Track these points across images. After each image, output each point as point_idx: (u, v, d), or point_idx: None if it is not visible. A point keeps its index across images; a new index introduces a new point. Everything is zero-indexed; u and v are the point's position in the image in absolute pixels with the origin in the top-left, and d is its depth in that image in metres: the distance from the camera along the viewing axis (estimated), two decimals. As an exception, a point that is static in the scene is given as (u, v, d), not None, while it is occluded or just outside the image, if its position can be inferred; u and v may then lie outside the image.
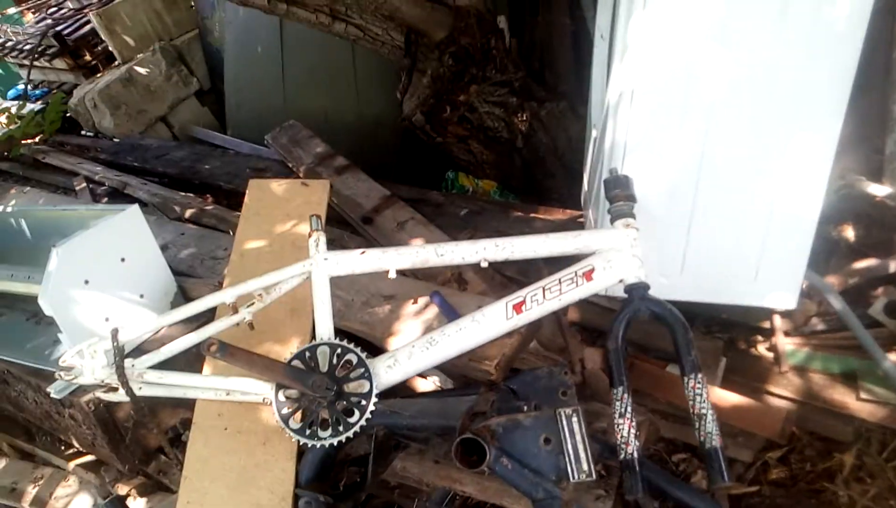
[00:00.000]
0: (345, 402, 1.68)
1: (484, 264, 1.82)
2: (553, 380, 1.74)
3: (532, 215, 3.02)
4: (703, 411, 1.63)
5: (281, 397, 1.70)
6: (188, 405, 2.07)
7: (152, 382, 1.75)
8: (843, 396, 2.10)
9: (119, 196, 4.00)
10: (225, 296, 1.79)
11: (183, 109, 5.37)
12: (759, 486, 2.09)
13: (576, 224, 2.82)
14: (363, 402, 1.67)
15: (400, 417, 1.69)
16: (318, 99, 4.45)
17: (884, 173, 2.49)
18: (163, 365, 1.78)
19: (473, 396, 1.67)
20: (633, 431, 1.66)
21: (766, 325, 2.32)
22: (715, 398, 2.11)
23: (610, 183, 1.88)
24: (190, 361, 2.00)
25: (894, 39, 2.49)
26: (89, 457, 2.44)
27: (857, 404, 2.06)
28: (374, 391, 1.68)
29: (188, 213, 3.55)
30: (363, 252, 1.84)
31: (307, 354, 1.72)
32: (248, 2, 3.34)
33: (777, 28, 1.76)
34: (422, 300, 2.08)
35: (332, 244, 2.79)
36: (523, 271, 2.47)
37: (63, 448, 2.55)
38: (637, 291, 1.76)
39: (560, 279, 1.78)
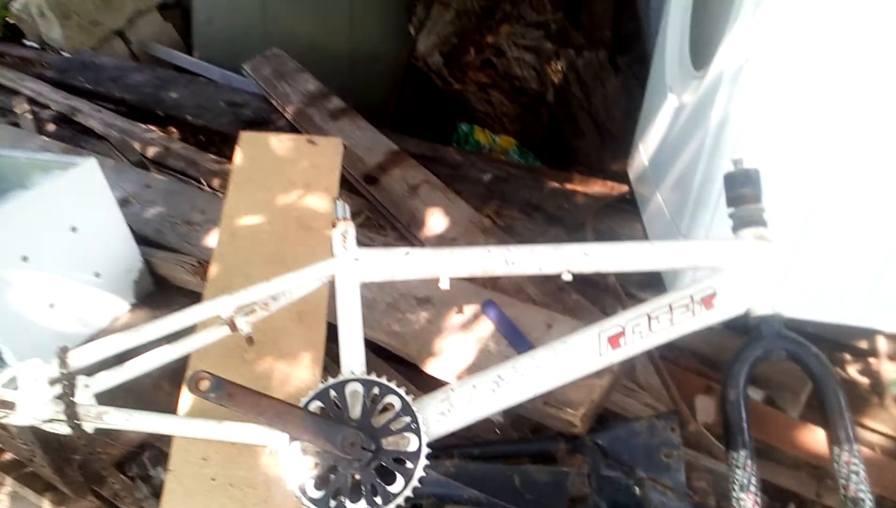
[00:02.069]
0: (383, 463, 1.23)
1: (567, 277, 1.37)
2: (654, 437, 1.33)
3: (568, 185, 2.56)
4: (861, 494, 1.24)
5: (296, 452, 1.24)
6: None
7: (114, 423, 1.27)
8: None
9: (68, 124, 3.40)
10: (220, 308, 1.31)
11: (143, 24, 4.67)
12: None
13: (626, 201, 2.38)
14: (409, 464, 1.23)
15: (460, 490, 1.25)
16: (304, 23, 3.84)
17: None
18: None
19: (563, 469, 1.24)
20: (758, 511, 1.27)
21: (862, 345, 1.95)
22: (803, 434, 1.75)
23: (735, 180, 1.42)
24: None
25: None
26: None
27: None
28: (423, 450, 1.24)
29: (151, 151, 3.00)
30: (408, 253, 1.37)
31: (332, 394, 1.26)
32: None
33: None
34: (469, 310, 1.62)
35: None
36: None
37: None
38: (770, 325, 1.34)
39: (671, 305, 1.35)
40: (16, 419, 1.20)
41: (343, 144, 2.00)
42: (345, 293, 1.34)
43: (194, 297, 1.92)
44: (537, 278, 1.91)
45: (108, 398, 1.32)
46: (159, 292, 1.92)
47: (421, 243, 2.31)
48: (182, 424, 1.30)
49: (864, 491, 1.24)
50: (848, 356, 1.99)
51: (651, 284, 2.01)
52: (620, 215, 2.32)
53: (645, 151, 2.26)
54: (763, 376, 1.81)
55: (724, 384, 1.36)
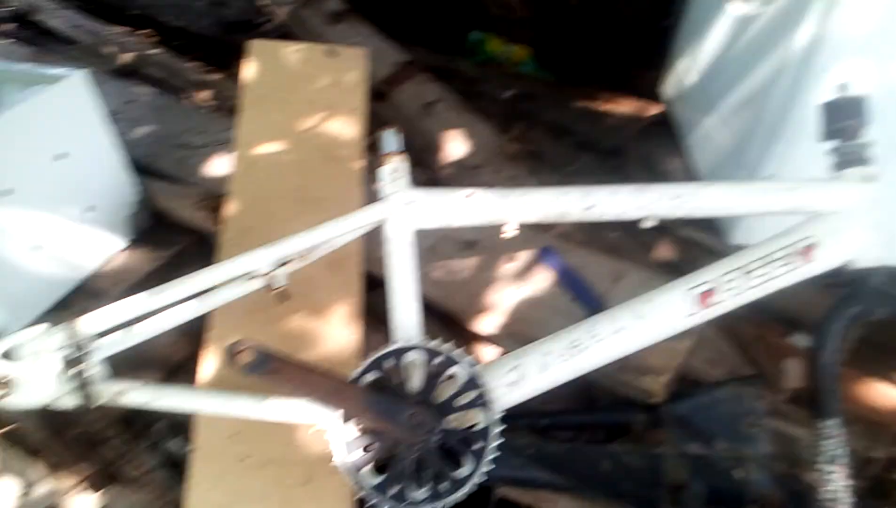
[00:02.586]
0: (450, 445, 1.08)
1: (649, 224, 1.20)
2: (738, 405, 1.20)
3: (597, 105, 2.34)
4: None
5: (350, 431, 1.08)
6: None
7: (137, 401, 1.08)
8: None
9: (26, 25, 3.03)
10: (257, 262, 1.11)
11: None
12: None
13: (661, 124, 2.17)
14: (478, 445, 1.08)
15: (538, 475, 1.10)
16: None
17: None
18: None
19: (652, 452, 1.10)
20: (847, 484, 1.16)
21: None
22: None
23: (838, 109, 1.23)
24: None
25: None
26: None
27: None
28: (494, 428, 1.09)
29: (126, 58, 2.67)
30: (470, 194, 1.17)
31: (387, 363, 1.09)
32: None
33: None
34: (523, 257, 1.43)
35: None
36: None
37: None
38: (874, 280, 1.19)
39: (766, 258, 1.19)
40: (15, 400, 1.02)
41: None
42: (397, 243, 1.16)
43: (198, 234, 1.70)
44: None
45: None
46: (158, 227, 1.70)
47: (435, 170, 2.09)
48: (217, 401, 1.12)
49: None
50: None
51: (698, 222, 1.85)
52: (657, 141, 2.12)
53: (689, 67, 2.04)
54: (808, 319, 1.67)
55: (816, 346, 1.22)
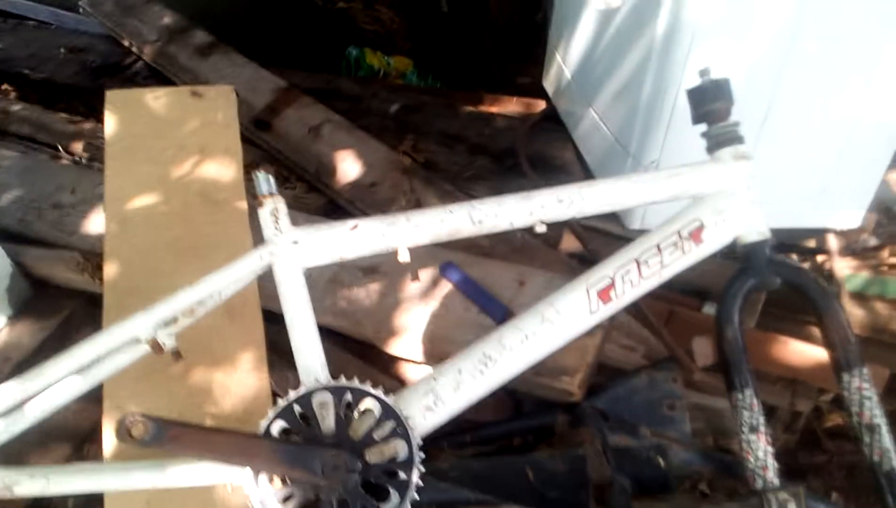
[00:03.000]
0: (372, 480, 1.05)
1: (540, 229, 1.21)
2: (655, 390, 1.22)
3: (483, 108, 2.36)
4: (876, 420, 1.18)
5: (265, 486, 1.03)
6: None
7: (31, 489, 1.00)
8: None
9: None
10: (136, 328, 1.04)
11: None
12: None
13: (550, 120, 2.21)
14: (402, 476, 1.05)
15: (461, 492, 1.09)
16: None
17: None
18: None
19: (574, 453, 1.10)
20: (770, 450, 1.20)
21: (811, 244, 1.92)
22: (754, 341, 1.71)
23: (704, 93, 1.27)
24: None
25: None
26: None
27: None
28: (417, 455, 1.06)
29: (-13, 117, 2.52)
30: (356, 226, 1.15)
31: (297, 409, 1.05)
32: None
33: None
34: (425, 275, 1.42)
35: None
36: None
37: None
38: (760, 252, 1.24)
39: (659, 246, 1.21)
40: None
41: (214, 83, 1.69)
42: (288, 285, 1.12)
43: (84, 297, 1.61)
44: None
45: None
46: (40, 296, 1.59)
47: (335, 192, 2.05)
48: (119, 477, 1.05)
49: (878, 416, 1.19)
50: (797, 257, 1.96)
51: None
52: (547, 136, 2.15)
53: (566, 61, 2.08)
54: (716, 288, 1.73)
55: (719, 323, 1.26)
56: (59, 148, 2.29)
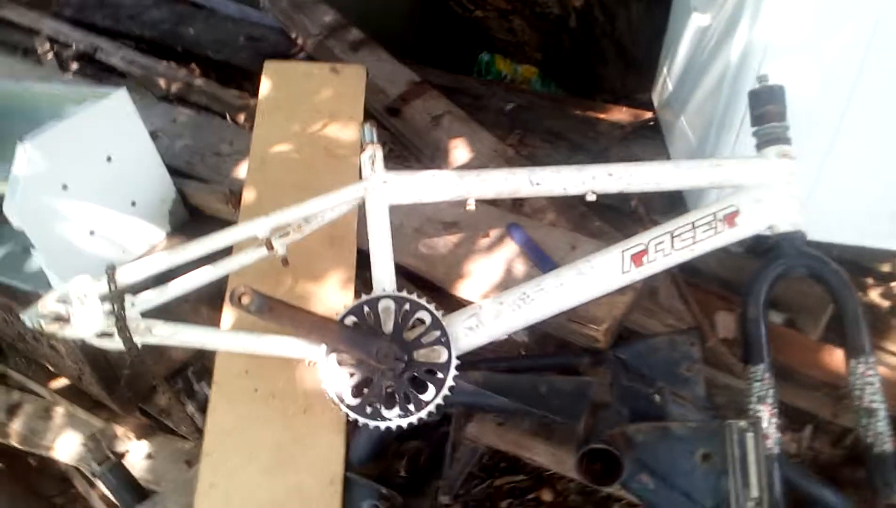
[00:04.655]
0: (416, 374, 1.30)
1: (591, 197, 1.40)
2: (675, 351, 1.37)
3: (592, 113, 2.55)
4: (875, 405, 1.29)
5: (333, 363, 1.31)
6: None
7: (161, 335, 1.34)
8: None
9: (89, 62, 3.42)
10: (257, 228, 1.36)
11: (159, -42, 4.61)
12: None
13: (650, 129, 2.38)
14: (439, 375, 1.29)
15: (488, 398, 1.32)
16: (321, -48, 3.77)
17: None
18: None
19: (587, 379, 1.29)
20: (774, 421, 1.32)
21: (884, 268, 1.97)
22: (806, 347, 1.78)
23: (759, 97, 1.43)
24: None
25: None
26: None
27: None
28: (453, 361, 1.30)
29: (174, 87, 3.02)
30: (434, 175, 1.41)
31: (366, 309, 1.32)
32: None
33: None
34: (495, 233, 1.66)
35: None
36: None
37: (41, 371, 2.15)
38: (791, 242, 1.37)
39: (693, 223, 1.38)
40: (70, 331, 1.28)
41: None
42: (375, 215, 1.39)
43: (227, 225, 1.97)
44: (561, 205, 1.92)
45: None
46: (193, 220, 1.98)
47: (445, 172, 2.33)
48: (225, 338, 1.37)
49: (878, 402, 1.29)
50: (870, 280, 2.01)
51: (675, 208, 2.03)
52: (644, 142, 2.32)
53: (669, 75, 2.24)
54: (784, 299, 1.83)
55: (744, 301, 1.39)
56: (227, 116, 2.74)
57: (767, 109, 1.42)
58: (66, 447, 1.93)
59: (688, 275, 1.77)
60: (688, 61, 2.04)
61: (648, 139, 2.33)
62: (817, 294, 1.89)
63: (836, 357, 1.74)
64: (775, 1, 1.53)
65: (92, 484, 2.09)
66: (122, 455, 1.76)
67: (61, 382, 2.09)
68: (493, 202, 1.81)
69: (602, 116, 2.54)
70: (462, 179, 1.40)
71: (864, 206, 1.77)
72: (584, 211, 1.99)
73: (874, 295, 1.98)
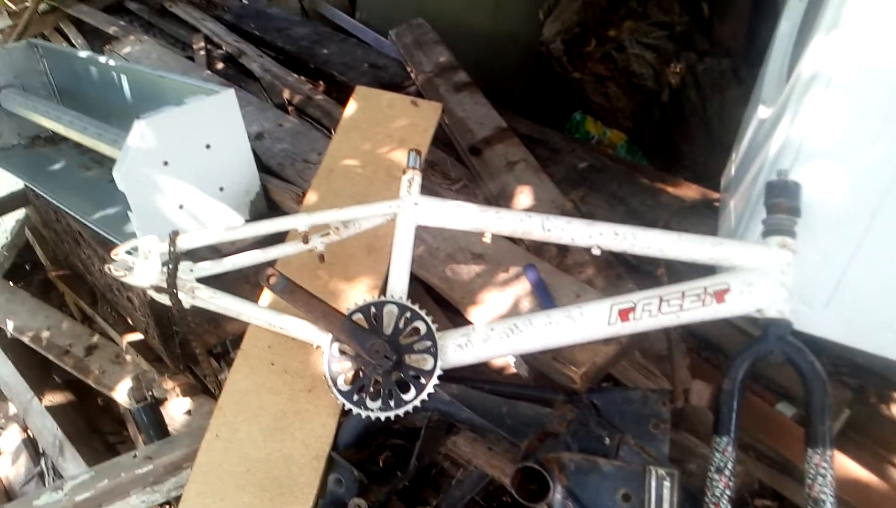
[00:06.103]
0: (402, 375, 1.47)
1: (596, 252, 1.53)
2: (646, 407, 1.46)
3: (659, 184, 2.65)
4: (824, 497, 1.33)
5: (335, 351, 1.50)
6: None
7: (203, 298, 1.58)
8: None
9: (233, 64, 3.86)
10: (298, 222, 1.58)
11: (318, -17, 5.11)
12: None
13: (709, 208, 2.45)
14: (422, 380, 1.46)
15: (459, 409, 1.46)
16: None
17: None
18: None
19: (547, 410, 1.42)
20: (727, 492, 1.38)
21: (913, 384, 1.95)
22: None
23: (774, 188, 1.52)
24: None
25: None
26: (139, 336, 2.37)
27: None
28: (437, 372, 1.46)
29: (296, 99, 3.36)
30: (460, 206, 1.58)
31: (372, 310, 1.51)
32: None
33: None
34: (514, 270, 1.81)
35: (433, 169, 2.55)
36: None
37: (121, 323, 2.49)
38: (775, 329, 1.44)
39: (683, 293, 1.47)
40: (131, 279, 1.55)
41: (444, 110, 2.22)
42: (402, 231, 1.58)
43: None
44: (602, 263, 2.02)
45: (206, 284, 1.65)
46: (270, 214, 2.25)
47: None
48: (252, 310, 1.60)
49: (826, 494, 1.33)
50: (895, 394, 2.00)
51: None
52: (699, 219, 2.39)
53: (735, 160, 2.32)
54: (799, 394, 1.86)
55: (724, 375, 1.47)
56: (331, 131, 3.03)
57: (780, 201, 1.51)
58: (123, 390, 2.23)
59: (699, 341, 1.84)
60: (747, 150, 2.12)
61: (704, 217, 2.40)
62: (836, 399, 1.91)
63: (839, 464, 1.76)
64: (814, 104, 1.60)
65: (140, 430, 2.39)
66: (160, 402, 2.02)
67: (134, 336, 2.41)
68: (517, 242, 1.97)
69: (670, 189, 2.63)
70: (482, 213, 1.56)
71: (886, 312, 1.77)
72: (621, 272, 2.09)
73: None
